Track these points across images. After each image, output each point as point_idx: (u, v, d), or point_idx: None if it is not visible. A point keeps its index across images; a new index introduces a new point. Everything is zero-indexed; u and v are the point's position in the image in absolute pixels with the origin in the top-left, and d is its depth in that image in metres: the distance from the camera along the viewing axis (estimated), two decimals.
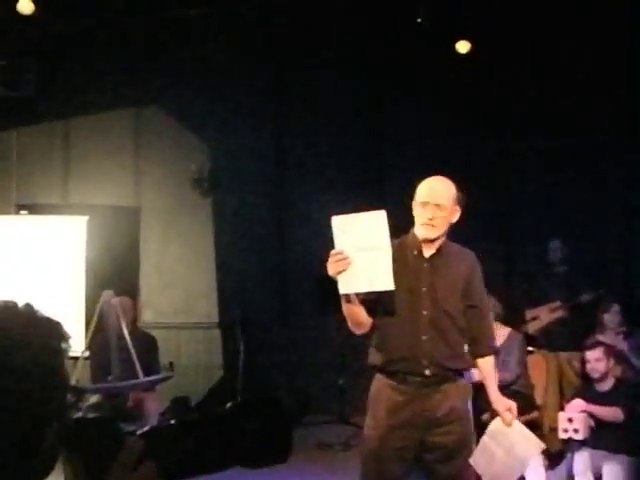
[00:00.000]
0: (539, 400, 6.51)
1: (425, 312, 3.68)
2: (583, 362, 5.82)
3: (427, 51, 8.18)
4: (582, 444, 5.43)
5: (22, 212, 8.46)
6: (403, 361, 3.67)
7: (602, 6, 7.60)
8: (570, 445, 5.54)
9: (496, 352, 3.90)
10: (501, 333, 6.38)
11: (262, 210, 9.01)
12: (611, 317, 6.84)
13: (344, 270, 3.45)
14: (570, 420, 5.41)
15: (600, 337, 6.62)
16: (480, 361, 3.83)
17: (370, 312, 3.72)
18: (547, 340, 7.20)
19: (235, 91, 8.73)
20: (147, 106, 9.04)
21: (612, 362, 5.67)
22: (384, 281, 3.48)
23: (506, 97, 8.62)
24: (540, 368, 6.79)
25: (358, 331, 3.76)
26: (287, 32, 8.66)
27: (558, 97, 8.24)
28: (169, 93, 8.82)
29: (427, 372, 3.64)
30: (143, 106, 9.05)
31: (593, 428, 5.43)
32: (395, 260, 3.61)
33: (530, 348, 6.87)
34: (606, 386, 5.62)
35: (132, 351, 6.33)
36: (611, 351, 5.77)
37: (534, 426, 6.38)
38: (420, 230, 3.73)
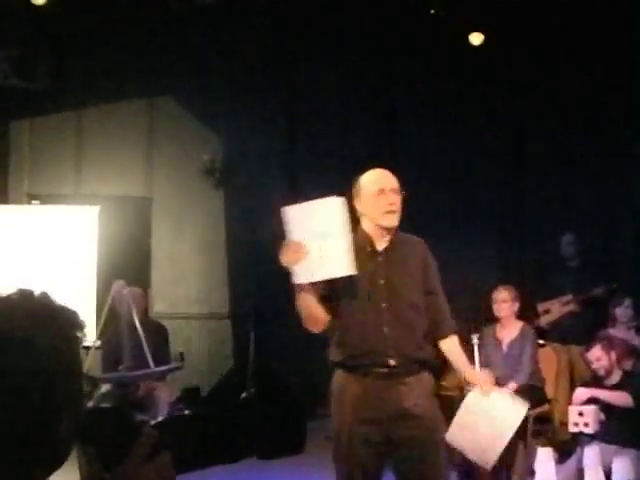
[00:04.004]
0: (550, 393, 6.50)
1: (384, 305, 3.57)
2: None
3: (440, 43, 8.15)
4: (592, 438, 5.40)
5: (34, 202, 8.50)
6: (367, 355, 3.56)
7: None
8: (580, 439, 5.53)
9: (457, 332, 3.77)
10: (514, 326, 6.38)
11: (274, 201, 8.99)
12: (623, 311, 6.82)
13: (300, 260, 3.41)
14: (581, 414, 5.39)
15: (611, 331, 6.60)
16: (444, 343, 3.73)
17: (328, 309, 3.61)
18: (559, 333, 7.19)
19: (247, 82, 8.72)
20: (159, 97, 9.05)
21: (614, 354, 5.60)
22: (343, 266, 3.40)
23: (522, 90, 8.58)
24: (551, 361, 6.77)
25: (313, 328, 3.65)
26: (298, 22, 8.64)
27: (573, 90, 8.20)
28: (182, 84, 8.81)
29: (392, 362, 3.53)
30: (155, 97, 9.05)
31: (603, 422, 5.42)
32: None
33: (541, 341, 6.86)
34: (614, 379, 5.59)
35: (143, 341, 6.34)
36: (611, 343, 5.71)
37: (544, 419, 6.41)
38: (385, 219, 3.59)
